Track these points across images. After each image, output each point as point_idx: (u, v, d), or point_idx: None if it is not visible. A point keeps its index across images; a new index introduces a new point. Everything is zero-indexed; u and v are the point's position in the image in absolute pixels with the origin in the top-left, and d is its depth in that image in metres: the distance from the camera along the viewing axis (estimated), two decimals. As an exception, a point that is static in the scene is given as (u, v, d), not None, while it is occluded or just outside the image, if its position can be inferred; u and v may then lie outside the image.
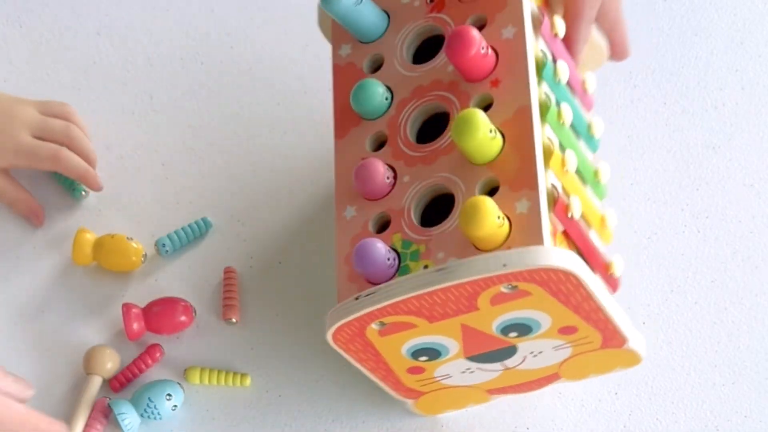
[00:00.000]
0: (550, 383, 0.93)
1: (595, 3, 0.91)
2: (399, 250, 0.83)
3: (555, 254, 0.78)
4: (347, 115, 0.88)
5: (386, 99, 0.87)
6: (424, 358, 0.87)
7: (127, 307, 0.98)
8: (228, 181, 1.06)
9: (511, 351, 0.87)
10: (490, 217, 0.78)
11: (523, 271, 0.78)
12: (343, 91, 0.89)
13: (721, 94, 1.08)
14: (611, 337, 0.86)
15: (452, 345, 0.85)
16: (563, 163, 0.83)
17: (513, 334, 0.85)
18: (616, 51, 0.99)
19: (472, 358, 0.88)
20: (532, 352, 0.88)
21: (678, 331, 0.98)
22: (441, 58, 0.87)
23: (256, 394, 0.98)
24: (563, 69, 0.87)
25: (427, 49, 0.89)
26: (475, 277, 0.78)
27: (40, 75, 1.11)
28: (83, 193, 1.05)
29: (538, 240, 0.79)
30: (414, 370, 0.88)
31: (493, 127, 0.81)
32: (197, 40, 1.13)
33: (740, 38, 1.11)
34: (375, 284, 0.82)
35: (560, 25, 0.89)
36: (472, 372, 0.89)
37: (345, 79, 0.90)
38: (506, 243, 0.80)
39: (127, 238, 1.02)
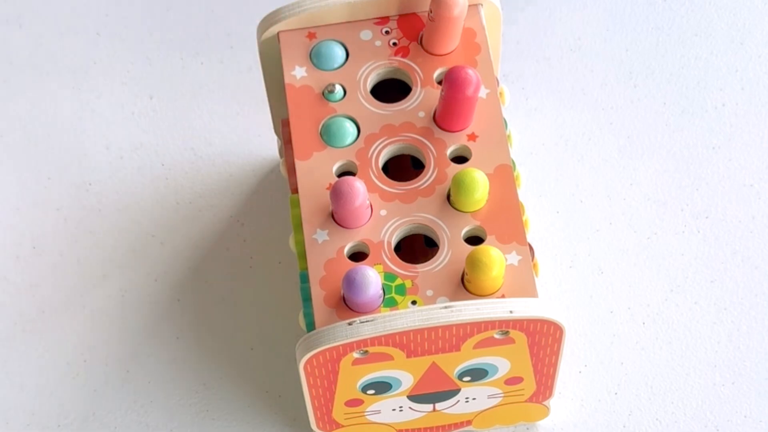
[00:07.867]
0: (457, 429, 0.94)
1: None
2: (382, 282, 0.84)
3: (555, 307, 0.82)
4: (308, 138, 0.89)
5: (354, 131, 0.89)
6: (371, 392, 0.87)
7: None
8: (228, 181, 1.06)
9: (452, 394, 0.89)
10: (501, 265, 0.81)
11: (524, 319, 0.81)
12: (302, 112, 0.90)
13: (721, 94, 1.08)
14: (541, 392, 0.90)
15: (407, 382, 0.86)
16: (527, 223, 0.88)
17: (467, 379, 0.87)
18: None
19: (413, 397, 0.88)
20: (467, 398, 0.89)
21: (678, 331, 0.98)
22: (412, 101, 0.90)
23: (255, 394, 0.98)
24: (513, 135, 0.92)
25: (383, 89, 0.92)
26: (481, 318, 0.80)
27: (40, 75, 1.11)
28: None
29: (532, 292, 0.83)
30: (353, 403, 0.88)
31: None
32: (197, 40, 1.13)
33: (740, 38, 1.11)
34: (359, 313, 0.82)
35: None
36: (401, 410, 0.90)
37: (302, 100, 0.90)
38: (500, 291, 0.83)
39: None
